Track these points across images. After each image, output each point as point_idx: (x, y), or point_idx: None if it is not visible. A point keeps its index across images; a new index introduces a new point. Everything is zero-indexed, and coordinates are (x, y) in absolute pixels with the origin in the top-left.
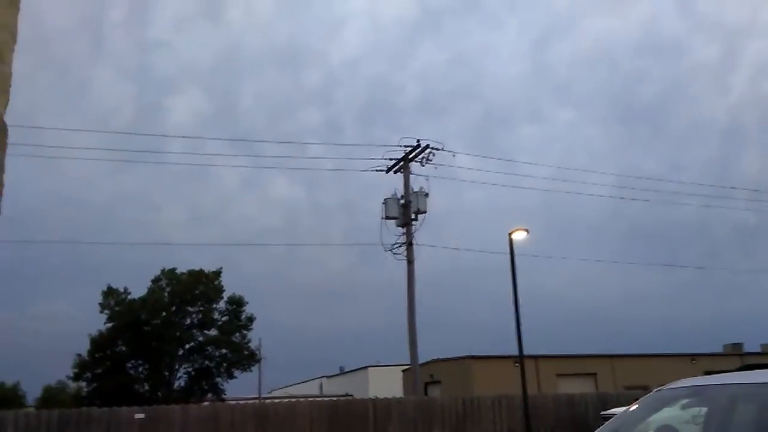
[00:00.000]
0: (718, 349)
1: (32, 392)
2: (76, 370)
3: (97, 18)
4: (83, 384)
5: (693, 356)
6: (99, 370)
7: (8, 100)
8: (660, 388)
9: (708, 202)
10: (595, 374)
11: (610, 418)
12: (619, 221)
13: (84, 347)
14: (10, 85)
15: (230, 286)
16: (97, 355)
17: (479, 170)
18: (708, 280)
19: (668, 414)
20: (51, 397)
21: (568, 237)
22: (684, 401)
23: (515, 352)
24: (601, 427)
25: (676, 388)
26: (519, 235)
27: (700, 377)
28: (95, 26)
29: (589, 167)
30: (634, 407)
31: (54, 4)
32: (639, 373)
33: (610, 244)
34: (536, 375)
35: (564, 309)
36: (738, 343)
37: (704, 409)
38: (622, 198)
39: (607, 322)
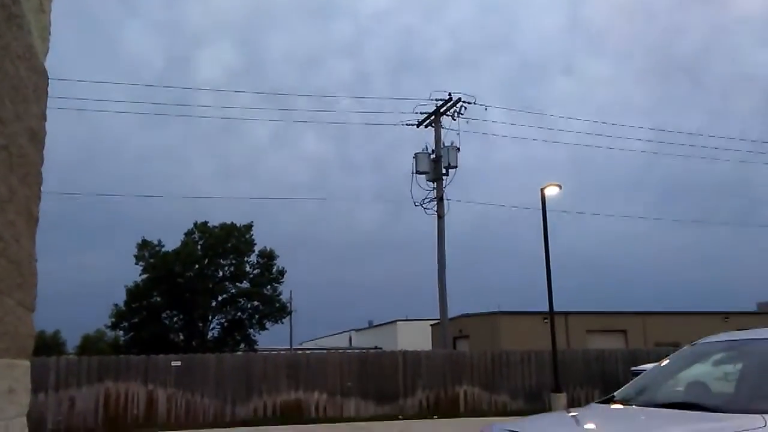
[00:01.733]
0: (753, 308)
1: (71, 340)
2: (113, 320)
3: None
4: (120, 333)
5: (726, 314)
6: (135, 320)
7: (48, 48)
8: (695, 342)
9: (748, 158)
10: (625, 331)
11: (641, 373)
12: (654, 177)
13: (121, 298)
14: (49, 33)
15: (261, 240)
16: (133, 306)
17: (512, 124)
18: (744, 238)
19: (700, 370)
20: (90, 345)
21: (602, 193)
22: (716, 357)
23: (545, 309)
24: (629, 383)
25: (712, 342)
26: (551, 191)
27: (736, 332)
28: None
29: (625, 122)
30: (665, 362)
31: None
32: (670, 330)
33: (645, 201)
34: (566, 331)
35: (595, 266)
36: None
37: (738, 366)
38: (658, 153)
39: (639, 279)
